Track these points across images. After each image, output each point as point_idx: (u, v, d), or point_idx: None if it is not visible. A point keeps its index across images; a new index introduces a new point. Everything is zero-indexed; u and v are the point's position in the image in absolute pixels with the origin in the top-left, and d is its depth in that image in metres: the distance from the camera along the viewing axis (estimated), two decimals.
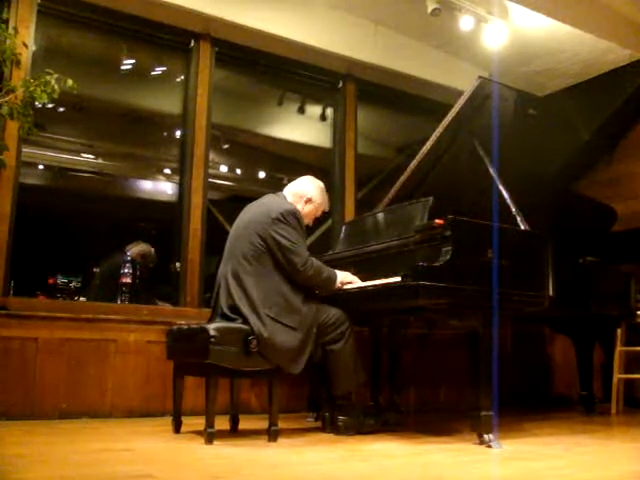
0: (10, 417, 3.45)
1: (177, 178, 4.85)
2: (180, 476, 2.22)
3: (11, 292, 3.86)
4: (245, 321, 3.02)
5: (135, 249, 4.91)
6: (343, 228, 4.06)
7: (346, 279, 3.32)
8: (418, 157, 3.74)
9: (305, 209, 3.41)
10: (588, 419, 4.28)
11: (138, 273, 4.73)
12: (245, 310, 3.03)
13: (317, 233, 5.34)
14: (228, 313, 3.10)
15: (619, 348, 4.60)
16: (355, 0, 4.88)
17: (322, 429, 3.33)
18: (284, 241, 3.12)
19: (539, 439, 3.28)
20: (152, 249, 5.04)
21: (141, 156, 6.08)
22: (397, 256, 3.30)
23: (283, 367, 3.04)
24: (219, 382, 2.93)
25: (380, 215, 3.75)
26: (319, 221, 3.70)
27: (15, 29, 3.84)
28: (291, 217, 3.18)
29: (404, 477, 2.32)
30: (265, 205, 3.30)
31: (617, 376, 4.59)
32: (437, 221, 3.06)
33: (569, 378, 4.99)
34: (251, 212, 3.33)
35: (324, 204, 3.53)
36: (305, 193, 3.43)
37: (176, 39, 4.66)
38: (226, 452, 2.68)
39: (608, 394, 4.61)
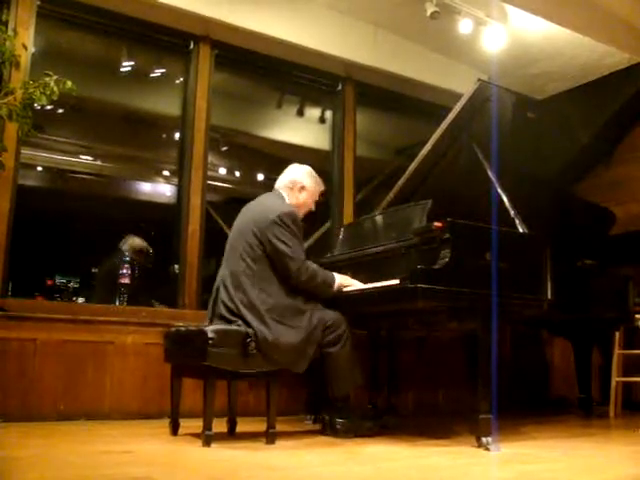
0: (8, 419, 3.44)
1: (176, 180, 4.85)
2: (179, 478, 2.22)
3: (9, 293, 3.86)
4: (246, 324, 3.01)
5: (129, 245, 4.88)
6: (342, 231, 4.06)
7: (345, 282, 3.32)
8: (417, 160, 3.75)
9: (301, 198, 3.40)
10: (586, 422, 4.27)
11: (136, 272, 4.72)
12: (247, 314, 3.03)
13: (316, 235, 5.34)
14: (228, 315, 3.09)
15: (617, 351, 4.60)
16: (354, 3, 4.89)
17: (320, 432, 3.32)
18: (281, 246, 3.13)
19: (538, 442, 3.27)
20: (145, 243, 5.02)
21: (140, 158, 6.09)
22: (396, 259, 3.30)
23: (288, 367, 3.05)
24: (217, 384, 2.93)
25: (379, 218, 3.75)
26: (318, 206, 3.58)
27: (14, 31, 3.84)
28: (289, 220, 3.19)
29: None
30: (263, 206, 3.32)
31: (615, 379, 4.59)
32: (436, 224, 3.06)
33: (567, 381, 4.98)
34: (250, 212, 3.34)
35: (319, 186, 3.50)
36: (297, 181, 3.41)
37: (175, 41, 4.66)
38: (224, 455, 2.68)
39: (606, 397, 4.60)
